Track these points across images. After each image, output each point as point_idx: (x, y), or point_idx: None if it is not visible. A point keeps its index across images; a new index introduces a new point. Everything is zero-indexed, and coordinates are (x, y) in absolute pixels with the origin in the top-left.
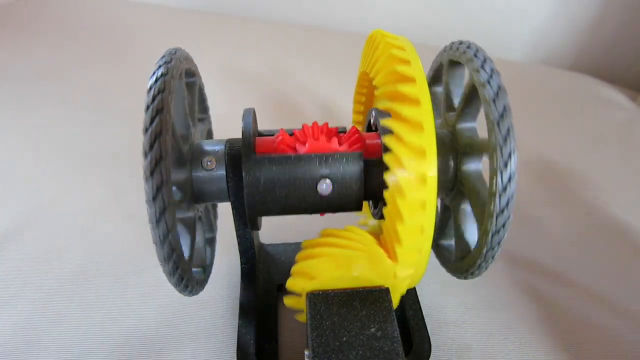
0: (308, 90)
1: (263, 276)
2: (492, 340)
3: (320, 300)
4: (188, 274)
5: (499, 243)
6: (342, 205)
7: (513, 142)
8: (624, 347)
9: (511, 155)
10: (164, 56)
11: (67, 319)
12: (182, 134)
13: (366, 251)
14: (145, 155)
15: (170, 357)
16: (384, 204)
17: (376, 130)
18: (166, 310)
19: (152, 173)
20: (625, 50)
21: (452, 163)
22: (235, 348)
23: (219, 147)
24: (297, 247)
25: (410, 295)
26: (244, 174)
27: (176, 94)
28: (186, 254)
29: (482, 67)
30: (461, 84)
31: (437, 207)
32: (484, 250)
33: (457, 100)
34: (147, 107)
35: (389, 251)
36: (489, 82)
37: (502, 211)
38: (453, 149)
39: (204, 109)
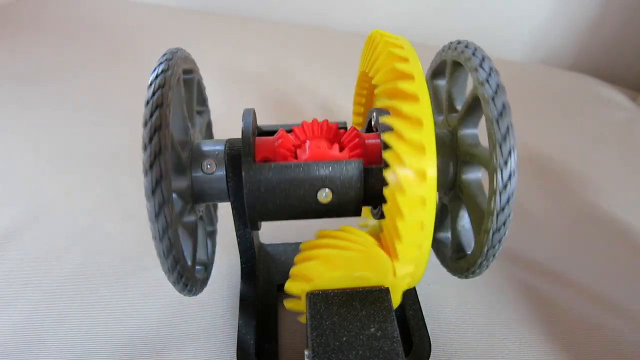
0: (308, 90)
1: (263, 276)
2: (492, 340)
3: (320, 300)
4: (188, 272)
5: (499, 241)
6: (341, 211)
7: (513, 139)
8: (624, 347)
9: (511, 153)
10: (165, 54)
11: (67, 319)
12: (181, 140)
13: (364, 250)
14: (145, 148)
15: (171, 357)
16: (384, 202)
17: (377, 130)
18: (167, 310)
19: (151, 166)
20: (625, 50)
21: (452, 165)
22: (235, 348)
23: (219, 148)
24: (297, 247)
25: (410, 295)
26: (244, 182)
27: (174, 100)
28: (189, 260)
29: (481, 65)
30: (463, 87)
31: (436, 202)
32: (485, 249)
33: (458, 102)
34: (147, 102)
35: (389, 248)
36: (487, 81)
37: (502, 209)
38: (453, 153)
39: (203, 100)
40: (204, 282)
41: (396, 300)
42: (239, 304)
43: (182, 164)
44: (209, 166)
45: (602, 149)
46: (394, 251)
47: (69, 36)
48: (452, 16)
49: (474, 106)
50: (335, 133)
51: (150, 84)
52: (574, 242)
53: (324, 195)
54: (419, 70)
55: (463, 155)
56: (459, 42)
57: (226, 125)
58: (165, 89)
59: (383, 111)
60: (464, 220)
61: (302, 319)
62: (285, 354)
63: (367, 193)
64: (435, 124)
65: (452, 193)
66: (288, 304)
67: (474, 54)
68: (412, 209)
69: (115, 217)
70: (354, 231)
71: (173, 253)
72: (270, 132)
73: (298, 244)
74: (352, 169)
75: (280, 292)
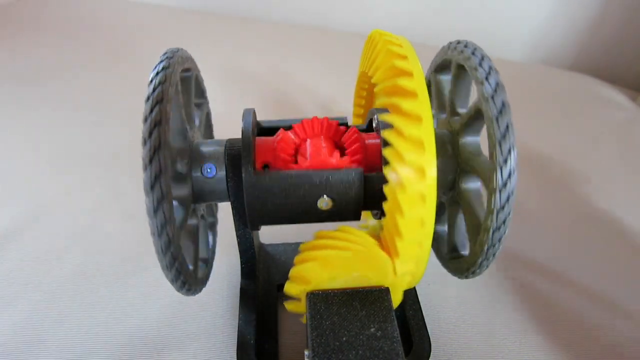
0: (308, 90)
1: (263, 276)
2: (492, 340)
3: (320, 300)
4: (187, 269)
5: (499, 240)
6: (341, 217)
7: (512, 137)
8: (624, 347)
9: (511, 151)
10: (166, 52)
11: (67, 319)
12: (179, 147)
13: (362, 250)
14: (145, 143)
15: (171, 357)
16: (385, 200)
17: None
18: (167, 310)
19: (150, 160)
20: (625, 50)
21: (452, 166)
22: (235, 348)
23: (219, 148)
24: (297, 247)
25: (410, 295)
26: (245, 190)
27: (172, 105)
28: (190, 264)
29: (480, 64)
30: (467, 90)
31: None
32: (485, 247)
33: (461, 106)
34: (148, 98)
35: (390, 246)
36: (487, 79)
37: (502, 207)
38: (454, 156)
39: (201, 92)
40: (203, 282)
41: (397, 298)
42: (239, 304)
43: (182, 174)
44: (209, 169)
45: (602, 149)
46: (394, 249)
47: (69, 36)
48: (452, 16)
49: (476, 117)
50: (336, 130)
51: (151, 81)
52: (574, 242)
53: (324, 204)
54: (417, 67)
55: (464, 163)
56: (458, 42)
57: (226, 126)
58: (165, 85)
59: (383, 111)
60: (461, 221)
61: (304, 320)
62: (285, 354)
63: (367, 199)
64: (438, 121)
65: (451, 194)
66: (289, 306)
67: (473, 53)
68: (412, 205)
69: (115, 217)
70: (352, 231)
71: (171, 249)
72: (271, 129)
73: (298, 244)
74: (352, 177)
75: (280, 292)
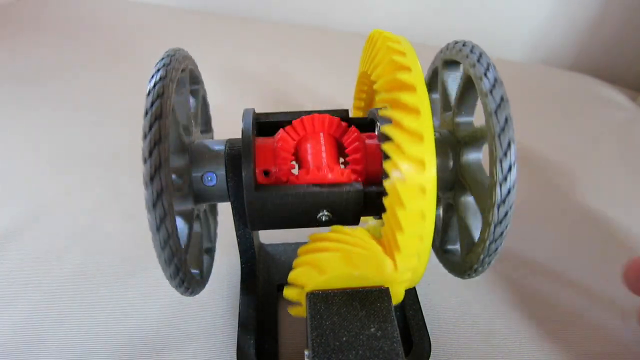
0: (308, 90)
1: (263, 276)
2: (492, 340)
3: (320, 300)
4: (186, 267)
5: (501, 234)
6: (340, 224)
7: (511, 131)
8: (624, 347)
9: (510, 144)
10: (162, 58)
11: (67, 319)
12: (184, 125)
13: (355, 249)
14: (145, 136)
15: (171, 357)
16: (384, 210)
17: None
18: (167, 310)
19: (150, 153)
20: (625, 50)
21: (451, 161)
22: (235, 348)
23: (219, 148)
24: (297, 247)
25: (410, 295)
26: (246, 204)
27: (179, 86)
28: (182, 242)
29: (479, 61)
30: (456, 83)
31: (437, 213)
32: (487, 243)
33: (453, 99)
34: (146, 113)
35: (391, 240)
36: (485, 75)
37: (503, 201)
38: (453, 144)
39: (195, 78)
40: (203, 282)
41: (398, 295)
42: (239, 304)
43: (184, 146)
44: (209, 178)
45: (602, 149)
46: (395, 243)
47: (69, 36)
48: (452, 16)
49: (467, 89)
50: (337, 128)
51: (152, 76)
52: (573, 242)
53: (324, 219)
54: (416, 62)
55: (462, 138)
56: (455, 42)
57: (226, 126)
58: (166, 80)
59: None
60: (470, 212)
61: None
62: (285, 354)
63: (367, 208)
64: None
65: (454, 190)
66: (293, 311)
67: (471, 51)
68: (412, 198)
69: (115, 217)
70: (345, 231)
71: (170, 244)
72: (270, 125)
73: (298, 244)
74: (352, 194)
75: (280, 292)
